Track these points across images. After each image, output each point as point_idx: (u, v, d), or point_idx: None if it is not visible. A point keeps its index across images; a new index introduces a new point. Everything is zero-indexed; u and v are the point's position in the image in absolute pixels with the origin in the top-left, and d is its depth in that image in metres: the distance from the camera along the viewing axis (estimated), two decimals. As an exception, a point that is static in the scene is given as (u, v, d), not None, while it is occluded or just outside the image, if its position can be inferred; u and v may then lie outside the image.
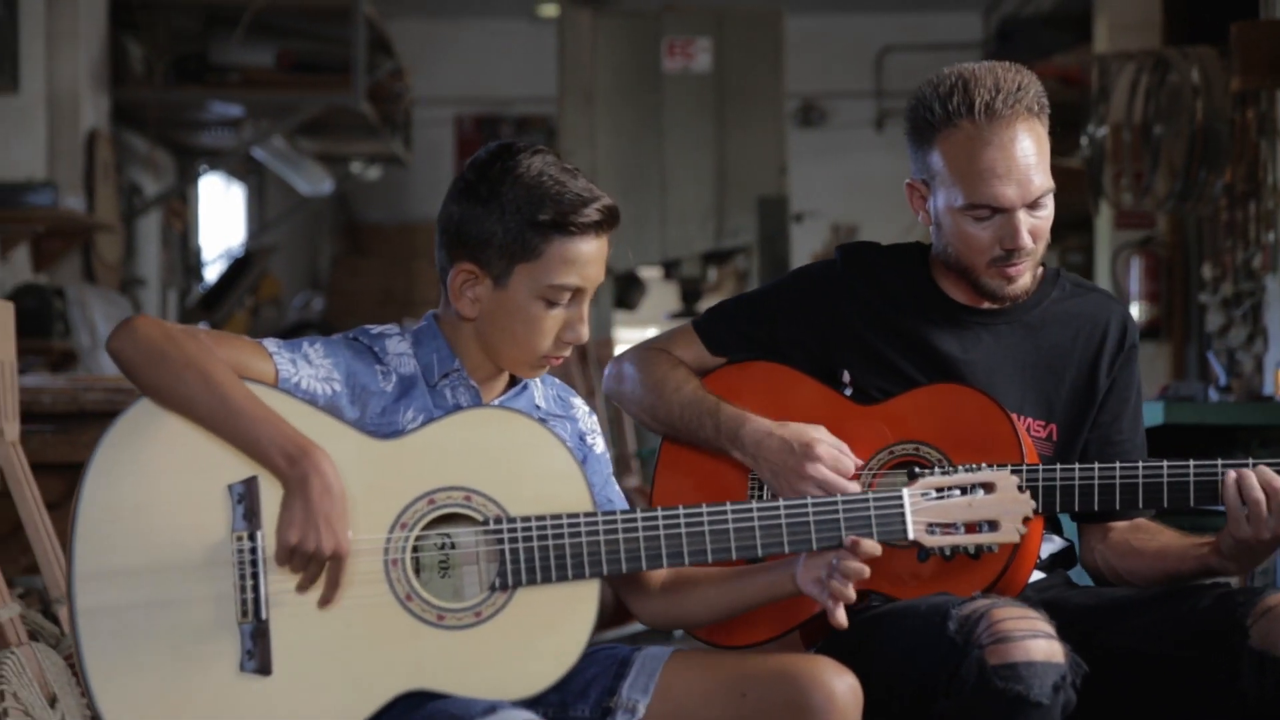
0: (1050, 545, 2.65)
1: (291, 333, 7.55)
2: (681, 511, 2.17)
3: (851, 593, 2.18)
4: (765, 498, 2.57)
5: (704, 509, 2.17)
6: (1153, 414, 4.80)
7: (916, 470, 2.31)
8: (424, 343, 2.22)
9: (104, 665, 2.01)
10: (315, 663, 2.03)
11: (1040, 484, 2.45)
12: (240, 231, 8.68)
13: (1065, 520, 2.73)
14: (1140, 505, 2.45)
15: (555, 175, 2.16)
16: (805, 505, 2.20)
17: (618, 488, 2.36)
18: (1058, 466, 2.46)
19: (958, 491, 2.26)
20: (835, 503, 2.21)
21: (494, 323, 2.19)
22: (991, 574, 2.42)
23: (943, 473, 2.31)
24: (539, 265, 2.15)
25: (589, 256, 2.18)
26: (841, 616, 2.20)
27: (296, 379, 2.12)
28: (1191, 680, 2.40)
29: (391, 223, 10.60)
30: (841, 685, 2.12)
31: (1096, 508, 2.46)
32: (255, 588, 2.03)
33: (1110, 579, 2.60)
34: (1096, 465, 2.46)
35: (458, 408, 2.18)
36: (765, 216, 7.35)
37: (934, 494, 2.25)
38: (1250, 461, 2.42)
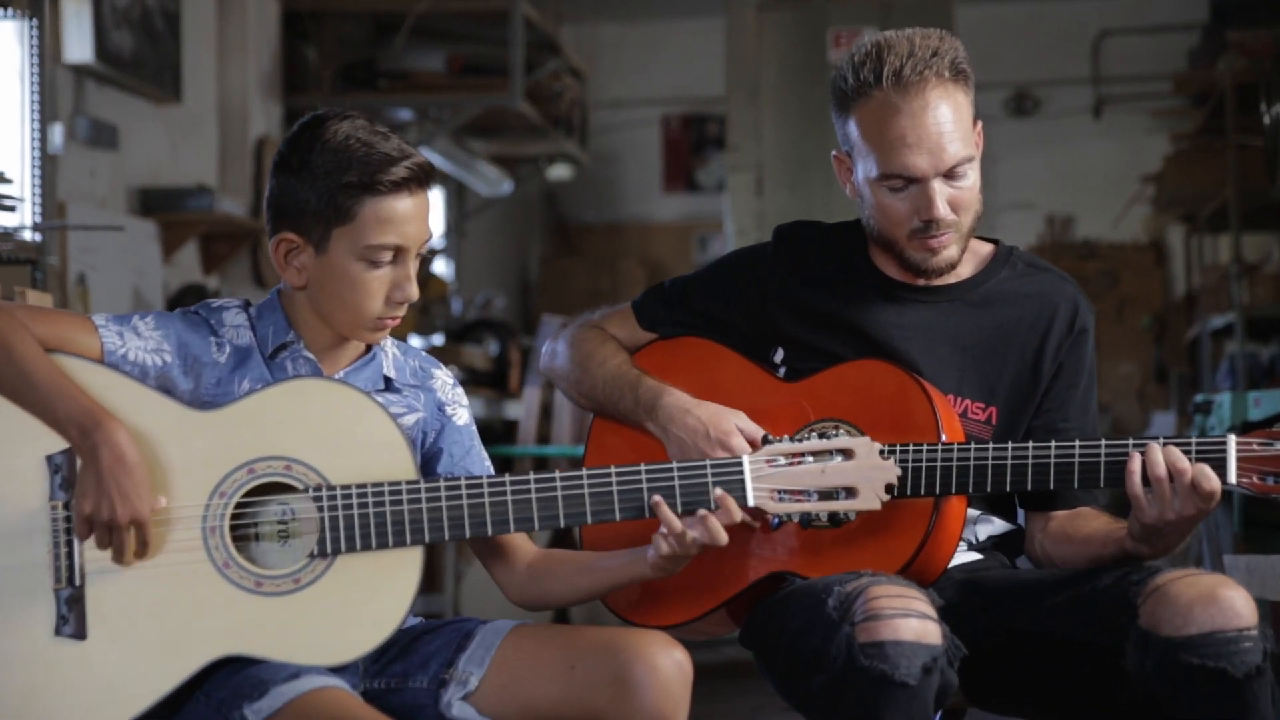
0: (989, 527, 2.56)
1: (465, 331, 7.73)
2: (508, 479, 2.17)
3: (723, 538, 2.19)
4: None
5: (532, 476, 2.17)
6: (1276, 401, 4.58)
7: (769, 437, 2.26)
8: (264, 316, 2.26)
9: None
10: (131, 628, 2.08)
11: (954, 463, 2.36)
12: (438, 233, 8.92)
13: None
14: (1052, 486, 2.35)
15: (362, 138, 2.18)
16: (638, 471, 2.18)
17: (485, 461, 2.36)
18: (971, 445, 2.37)
19: (810, 458, 2.21)
20: (670, 469, 2.19)
21: (322, 290, 2.21)
22: (905, 554, 2.37)
23: (797, 440, 2.26)
24: (354, 228, 2.17)
25: (405, 214, 2.18)
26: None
27: (124, 351, 2.17)
28: (1088, 660, 2.32)
29: (599, 222, 10.74)
30: (667, 660, 2.10)
31: (1009, 488, 2.37)
32: (70, 555, 2.09)
33: (1048, 568, 2.50)
34: (1010, 445, 2.36)
35: (297, 379, 2.22)
36: (934, 206, 7.18)
37: (783, 460, 2.21)
38: (1161, 439, 2.30)
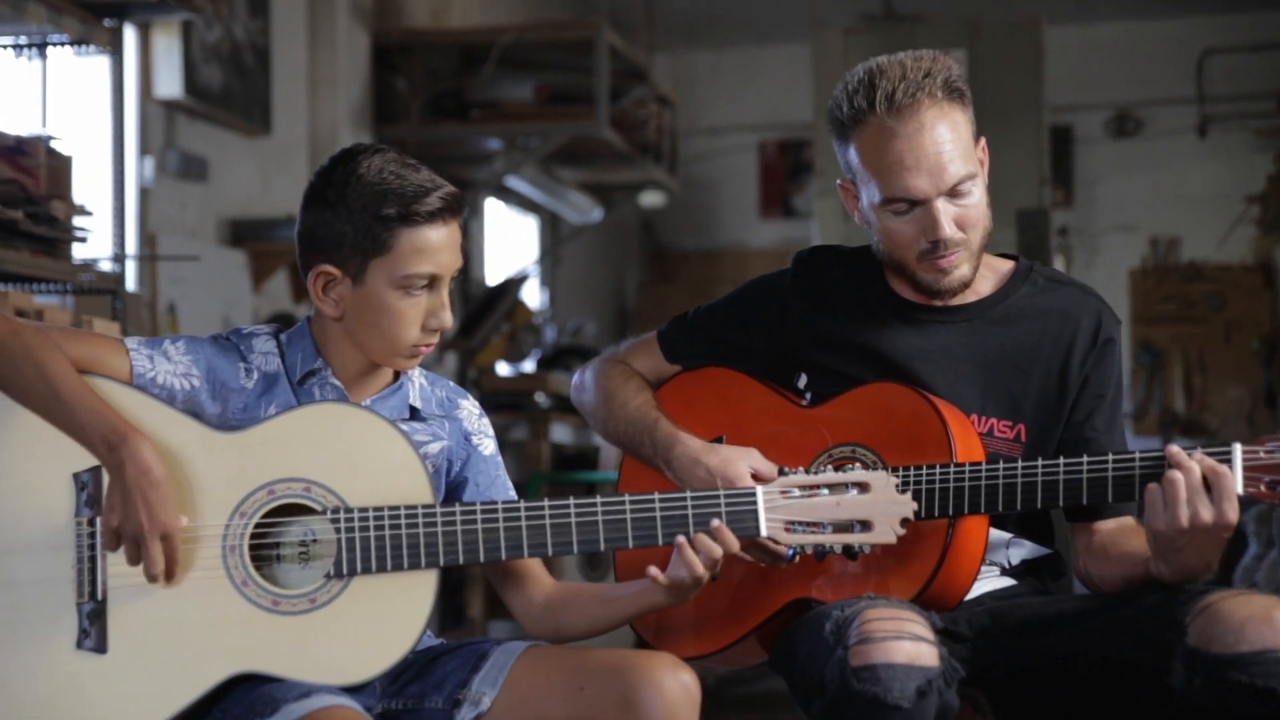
0: (1022, 550, 2.54)
1: (555, 358, 7.76)
2: (522, 505, 2.19)
3: (700, 568, 2.20)
4: None
5: (545, 503, 2.18)
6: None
7: (785, 470, 2.27)
8: (293, 343, 2.31)
9: None
10: (150, 643, 2.13)
11: (966, 484, 2.35)
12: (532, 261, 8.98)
13: (1060, 526, 2.60)
14: (1061, 503, 2.34)
15: (396, 170, 2.23)
16: (652, 500, 2.19)
17: (509, 490, 2.38)
18: (983, 465, 2.36)
19: (825, 490, 2.21)
20: (684, 499, 2.20)
21: (359, 319, 2.26)
22: (923, 576, 2.36)
23: (815, 472, 2.27)
24: (391, 258, 2.22)
25: (439, 243, 2.23)
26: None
27: (153, 374, 2.23)
28: (1128, 679, 2.29)
29: (696, 248, 10.74)
30: (674, 682, 2.11)
31: (1020, 507, 2.36)
32: (94, 570, 2.14)
33: (1091, 589, 2.48)
34: (1019, 463, 2.35)
35: (319, 403, 2.26)
36: (1025, 229, 7.07)
37: (797, 492, 2.22)
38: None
